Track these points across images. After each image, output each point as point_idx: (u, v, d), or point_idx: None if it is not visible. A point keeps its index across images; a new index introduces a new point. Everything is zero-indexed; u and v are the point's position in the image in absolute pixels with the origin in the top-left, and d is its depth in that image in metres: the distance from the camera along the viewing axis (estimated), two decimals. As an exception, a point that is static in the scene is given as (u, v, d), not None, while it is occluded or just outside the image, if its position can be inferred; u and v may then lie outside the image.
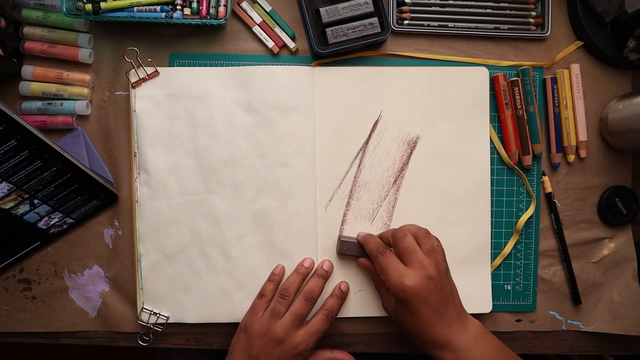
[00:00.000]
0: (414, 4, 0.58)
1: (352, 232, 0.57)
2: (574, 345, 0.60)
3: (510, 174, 0.59)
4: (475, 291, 0.58)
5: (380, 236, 0.54)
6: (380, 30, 0.55)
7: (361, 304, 0.57)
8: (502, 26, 0.59)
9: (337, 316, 0.56)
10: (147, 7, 0.52)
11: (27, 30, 0.55)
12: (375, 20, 0.55)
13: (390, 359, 0.62)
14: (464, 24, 0.59)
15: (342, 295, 0.55)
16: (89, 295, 0.57)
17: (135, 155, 0.56)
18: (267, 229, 0.56)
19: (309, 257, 0.56)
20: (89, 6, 0.51)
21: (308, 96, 0.57)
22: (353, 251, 0.55)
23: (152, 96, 0.56)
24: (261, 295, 0.54)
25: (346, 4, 0.55)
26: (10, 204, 0.51)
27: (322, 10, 0.54)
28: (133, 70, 0.55)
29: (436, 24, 0.58)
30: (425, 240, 0.50)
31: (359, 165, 0.58)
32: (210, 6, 0.54)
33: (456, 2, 0.59)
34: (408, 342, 0.59)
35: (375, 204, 0.58)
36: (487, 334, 0.50)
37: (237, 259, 0.56)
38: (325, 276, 0.55)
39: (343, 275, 0.57)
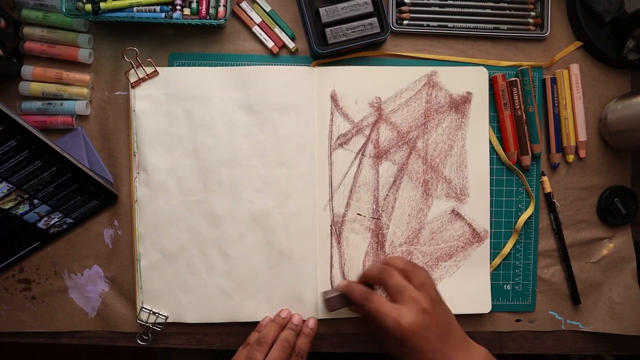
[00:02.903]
0: (413, 4, 0.58)
1: (351, 231, 0.57)
2: (573, 345, 0.60)
3: (510, 174, 0.59)
4: (474, 291, 0.58)
5: (366, 275, 0.53)
6: (379, 31, 0.55)
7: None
8: (501, 26, 0.59)
9: (336, 317, 0.57)
10: (147, 7, 0.52)
11: (27, 30, 0.55)
12: (374, 20, 0.55)
13: (390, 358, 0.62)
14: (464, 24, 0.59)
15: (310, 333, 0.54)
16: (89, 295, 0.57)
17: (134, 155, 0.56)
18: (266, 229, 0.56)
19: (286, 308, 0.56)
20: (88, 6, 0.51)
21: (307, 96, 0.57)
22: (342, 304, 0.54)
23: (151, 96, 0.56)
24: (246, 344, 0.54)
25: (346, 4, 0.55)
26: (10, 204, 0.51)
27: (321, 10, 0.55)
28: (132, 70, 0.56)
29: (435, 24, 0.58)
30: (415, 274, 0.49)
31: (359, 165, 0.58)
32: (210, 6, 0.54)
33: (456, 2, 0.59)
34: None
35: (375, 204, 0.58)
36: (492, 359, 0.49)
37: (236, 259, 0.56)
38: (311, 334, 0.54)
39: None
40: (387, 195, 0.58)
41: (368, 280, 0.53)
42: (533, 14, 0.59)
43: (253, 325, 0.57)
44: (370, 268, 0.53)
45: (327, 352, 0.59)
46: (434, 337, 0.46)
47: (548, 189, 0.59)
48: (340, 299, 0.53)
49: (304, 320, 0.56)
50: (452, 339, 0.48)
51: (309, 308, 0.57)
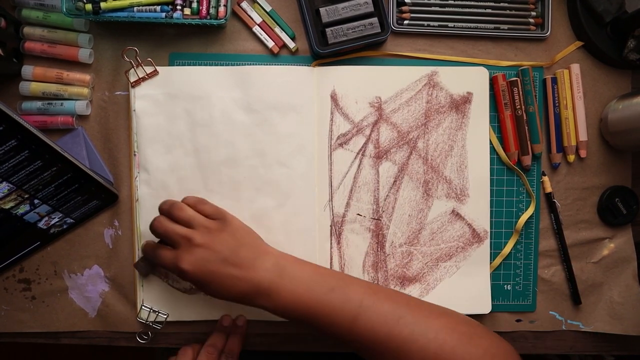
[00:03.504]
0: (414, 4, 0.58)
1: (351, 232, 0.57)
2: (574, 345, 0.60)
3: (510, 174, 0.59)
4: (474, 291, 0.58)
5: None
6: (380, 30, 0.55)
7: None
8: (502, 26, 0.59)
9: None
10: (147, 7, 0.52)
11: (27, 30, 0.55)
12: (375, 20, 0.55)
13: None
14: (464, 24, 0.59)
15: (239, 331, 0.55)
16: (89, 295, 0.57)
17: (135, 155, 0.56)
18: (265, 229, 0.56)
19: (227, 315, 0.56)
20: (89, 6, 0.51)
21: (308, 96, 0.57)
22: (149, 267, 0.55)
23: (151, 96, 0.56)
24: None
25: (346, 4, 0.55)
26: (11, 204, 0.51)
27: (322, 10, 0.54)
28: (132, 69, 0.55)
29: (436, 24, 0.58)
30: (180, 215, 0.49)
31: (359, 166, 0.58)
32: (210, 6, 0.54)
33: (456, 2, 0.59)
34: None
35: (375, 204, 0.58)
36: (294, 264, 0.48)
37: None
38: (241, 332, 0.55)
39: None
40: (387, 195, 0.58)
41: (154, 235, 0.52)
42: (534, 13, 0.59)
43: (253, 324, 0.57)
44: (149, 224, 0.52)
45: (327, 352, 0.59)
46: (218, 265, 0.46)
47: (549, 189, 0.59)
48: (145, 262, 0.54)
49: (234, 320, 0.56)
50: (241, 260, 0.47)
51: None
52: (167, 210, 0.51)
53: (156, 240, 0.53)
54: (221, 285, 0.47)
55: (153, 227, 0.50)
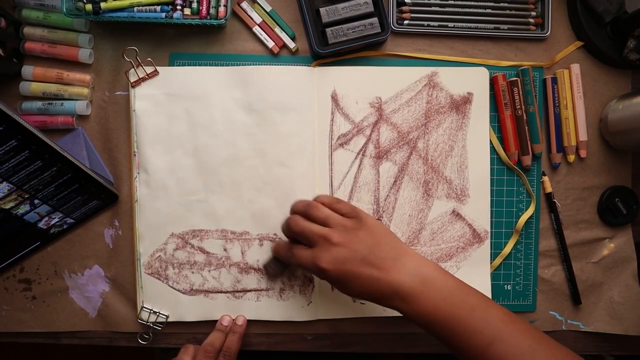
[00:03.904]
0: (414, 4, 0.58)
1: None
2: (573, 345, 0.60)
3: (510, 174, 0.59)
4: (475, 291, 0.58)
5: (285, 233, 0.52)
6: (380, 30, 0.55)
7: (361, 305, 0.57)
8: (501, 26, 0.59)
9: (336, 317, 0.57)
10: (147, 7, 0.52)
11: (27, 30, 0.55)
12: (375, 20, 0.55)
13: (390, 358, 0.62)
14: (464, 24, 0.59)
15: (238, 330, 0.55)
16: (89, 295, 0.57)
17: (135, 155, 0.56)
18: (266, 229, 0.56)
19: (227, 315, 0.56)
20: (89, 6, 0.51)
21: (308, 96, 0.57)
22: (280, 268, 0.55)
23: (151, 96, 0.56)
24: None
25: (346, 4, 0.55)
26: (11, 204, 0.51)
27: (322, 10, 0.54)
28: (132, 69, 0.55)
29: (436, 24, 0.58)
30: (315, 214, 0.48)
31: (360, 166, 0.58)
32: (210, 6, 0.54)
33: (456, 2, 0.59)
34: (407, 342, 0.59)
35: (375, 204, 0.58)
36: (438, 275, 0.46)
37: (237, 258, 0.56)
38: (240, 331, 0.55)
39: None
40: (387, 195, 0.58)
41: (286, 233, 0.52)
42: (534, 13, 0.59)
43: (253, 324, 0.57)
44: (282, 223, 0.52)
45: (327, 352, 0.59)
46: (356, 265, 0.45)
47: (549, 189, 0.59)
48: (275, 263, 0.54)
49: (234, 319, 0.56)
50: (380, 260, 0.46)
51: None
52: (302, 210, 0.50)
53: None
54: (360, 286, 0.46)
55: (289, 226, 0.49)
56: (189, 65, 0.57)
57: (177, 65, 0.57)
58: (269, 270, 0.55)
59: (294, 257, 0.49)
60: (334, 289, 0.56)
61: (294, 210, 0.51)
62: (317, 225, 0.48)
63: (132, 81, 0.56)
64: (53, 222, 0.55)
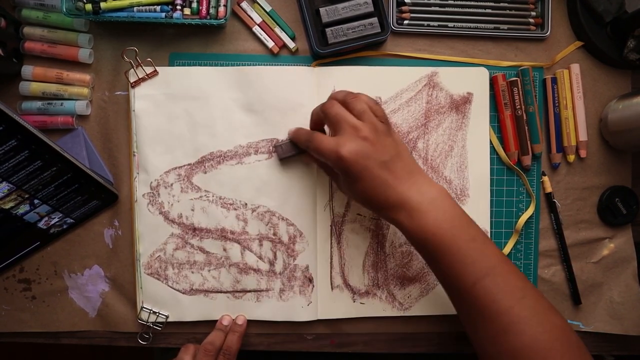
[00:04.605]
0: (413, 4, 0.58)
1: (351, 231, 0.57)
2: (573, 345, 0.60)
3: (510, 174, 0.59)
4: (475, 291, 0.58)
5: (312, 115, 0.52)
6: (380, 30, 0.55)
7: (361, 305, 0.57)
8: (502, 26, 0.59)
9: (336, 317, 0.57)
10: (147, 7, 0.52)
11: (27, 30, 0.55)
12: (375, 20, 0.55)
13: (390, 359, 0.62)
14: (464, 24, 0.59)
15: (238, 330, 0.55)
16: (89, 295, 0.57)
17: (134, 155, 0.56)
18: (265, 229, 0.56)
19: (227, 314, 0.56)
20: (89, 6, 0.51)
21: (308, 96, 0.57)
22: (290, 151, 0.55)
23: (151, 96, 0.56)
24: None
25: (346, 4, 0.55)
26: (11, 204, 0.51)
27: (322, 10, 0.54)
28: (132, 69, 0.55)
29: (436, 24, 0.58)
30: (354, 104, 0.47)
31: (359, 165, 0.58)
32: (210, 6, 0.54)
33: (456, 2, 0.59)
34: (407, 342, 0.59)
35: (375, 204, 0.58)
36: (446, 199, 0.46)
37: (236, 258, 0.56)
38: (240, 331, 0.55)
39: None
40: (387, 195, 0.58)
41: (314, 120, 0.52)
42: (533, 13, 0.59)
43: (253, 324, 0.57)
44: (315, 107, 0.51)
45: (327, 352, 0.59)
46: (375, 165, 0.45)
47: (549, 189, 0.59)
48: (288, 146, 0.55)
49: (234, 319, 0.56)
50: (399, 169, 0.46)
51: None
52: (342, 98, 0.48)
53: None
54: (370, 187, 0.45)
55: (324, 108, 0.48)
56: (189, 65, 0.57)
57: (177, 65, 0.57)
58: (278, 150, 0.55)
59: (314, 141, 0.48)
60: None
61: (333, 97, 0.50)
62: (351, 115, 0.47)
63: (131, 81, 0.56)
64: (53, 222, 0.55)
